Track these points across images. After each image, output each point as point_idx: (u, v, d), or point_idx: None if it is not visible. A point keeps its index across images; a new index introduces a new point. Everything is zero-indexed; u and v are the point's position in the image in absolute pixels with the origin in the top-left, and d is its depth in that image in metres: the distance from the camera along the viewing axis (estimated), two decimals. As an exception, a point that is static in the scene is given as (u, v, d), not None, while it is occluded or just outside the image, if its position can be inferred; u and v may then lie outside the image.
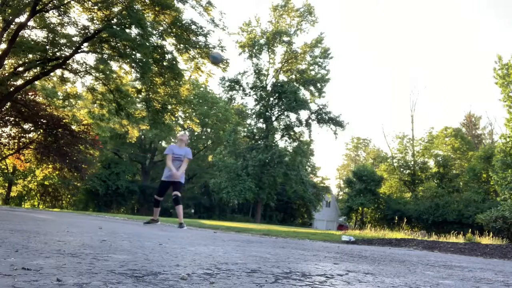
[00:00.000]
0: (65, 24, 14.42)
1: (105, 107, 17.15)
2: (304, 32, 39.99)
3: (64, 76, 16.73)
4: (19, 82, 15.58)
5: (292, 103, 37.62)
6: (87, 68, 15.69)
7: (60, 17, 14.21)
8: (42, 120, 19.09)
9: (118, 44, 14.17)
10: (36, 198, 35.01)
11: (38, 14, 13.66)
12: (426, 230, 26.75)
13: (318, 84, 40.21)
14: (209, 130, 45.53)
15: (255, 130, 40.40)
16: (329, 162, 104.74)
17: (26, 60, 14.69)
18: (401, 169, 42.86)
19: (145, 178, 43.23)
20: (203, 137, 47.06)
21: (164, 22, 15.14)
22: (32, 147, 20.85)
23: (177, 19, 14.80)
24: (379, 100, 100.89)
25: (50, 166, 22.08)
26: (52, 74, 16.11)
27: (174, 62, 15.45)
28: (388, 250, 5.10)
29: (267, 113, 39.31)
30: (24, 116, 18.86)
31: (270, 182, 37.68)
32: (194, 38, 15.40)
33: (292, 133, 40.40)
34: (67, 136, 19.74)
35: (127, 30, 14.01)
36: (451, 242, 7.81)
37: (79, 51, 14.54)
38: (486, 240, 10.12)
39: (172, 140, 47.51)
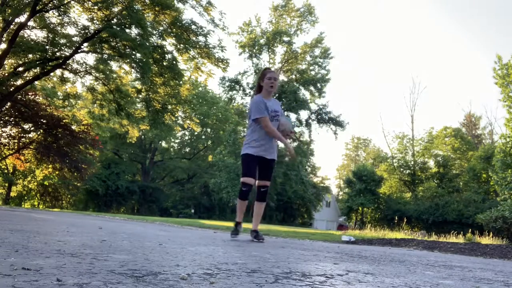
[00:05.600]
0: (65, 24, 14.43)
1: (105, 107, 17.16)
2: (304, 32, 39.98)
3: (64, 76, 16.74)
4: (19, 82, 15.58)
5: (292, 103, 37.63)
6: (87, 68, 15.70)
7: (60, 17, 14.22)
8: (42, 120, 19.10)
9: (118, 44, 14.17)
10: (36, 198, 35.00)
11: (38, 14, 13.66)
12: (426, 230, 26.73)
13: (318, 84, 40.20)
14: (209, 130, 45.55)
15: (255, 130, 40.31)
16: (329, 162, 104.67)
17: (26, 60, 14.69)
18: (401, 169, 42.84)
19: (145, 178, 43.23)
20: (203, 137, 47.07)
21: (164, 22, 15.16)
22: (32, 147, 20.86)
23: (177, 19, 14.81)
24: (379, 100, 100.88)
25: (50, 166, 22.09)
26: (52, 74, 16.11)
27: (174, 62, 15.47)
28: (388, 250, 5.10)
29: (267, 113, 39.23)
30: (24, 116, 18.87)
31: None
32: (194, 38, 15.41)
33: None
34: (67, 136, 19.74)
35: (127, 30, 14.03)
36: (451, 242, 7.81)
37: (79, 51, 14.55)
38: (486, 240, 10.12)
39: (172, 140, 46.98)
